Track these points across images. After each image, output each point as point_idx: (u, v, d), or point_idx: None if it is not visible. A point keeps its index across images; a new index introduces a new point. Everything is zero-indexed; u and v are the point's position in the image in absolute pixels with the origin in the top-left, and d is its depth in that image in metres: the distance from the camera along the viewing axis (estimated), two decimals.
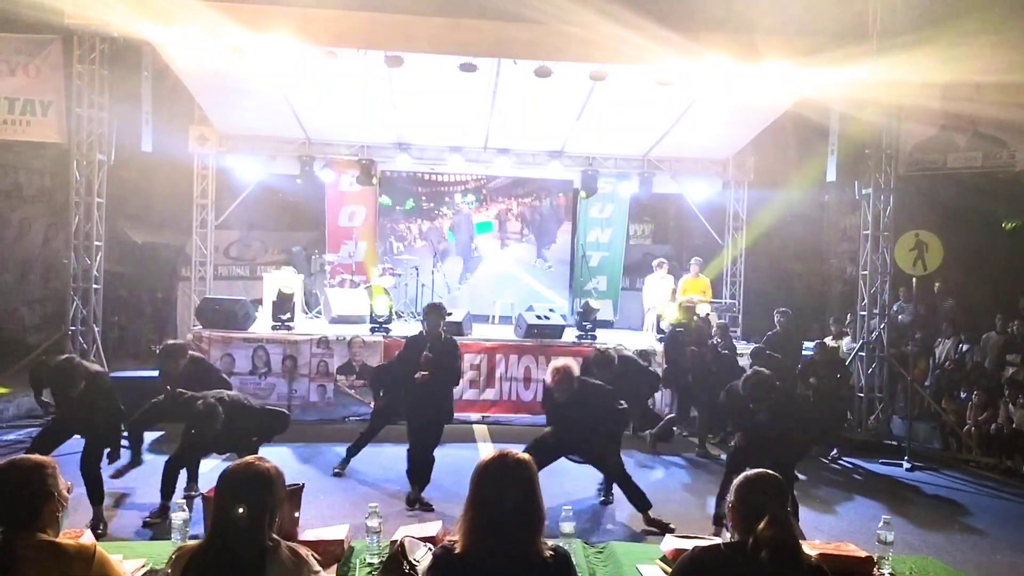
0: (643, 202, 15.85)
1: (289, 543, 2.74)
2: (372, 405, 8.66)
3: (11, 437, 9.27)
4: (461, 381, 9.18)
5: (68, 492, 2.85)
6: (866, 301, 11.15)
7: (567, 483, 7.62)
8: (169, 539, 3.76)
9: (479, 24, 9.31)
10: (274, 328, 10.77)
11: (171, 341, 8.11)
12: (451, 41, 9.40)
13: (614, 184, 14.46)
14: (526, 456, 2.71)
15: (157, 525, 6.35)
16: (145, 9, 8.96)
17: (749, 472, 2.90)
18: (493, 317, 13.35)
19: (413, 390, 7.17)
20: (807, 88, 9.98)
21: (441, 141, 13.62)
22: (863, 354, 11.15)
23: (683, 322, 10.23)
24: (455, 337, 8.13)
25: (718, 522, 6.00)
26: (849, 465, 9.54)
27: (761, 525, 2.60)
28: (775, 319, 10.65)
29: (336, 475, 7.91)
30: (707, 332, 10.15)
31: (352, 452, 8.03)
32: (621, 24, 8.71)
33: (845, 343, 11.87)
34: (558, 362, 6.65)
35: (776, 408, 6.21)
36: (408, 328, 11.53)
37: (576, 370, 6.76)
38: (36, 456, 2.86)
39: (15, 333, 14.71)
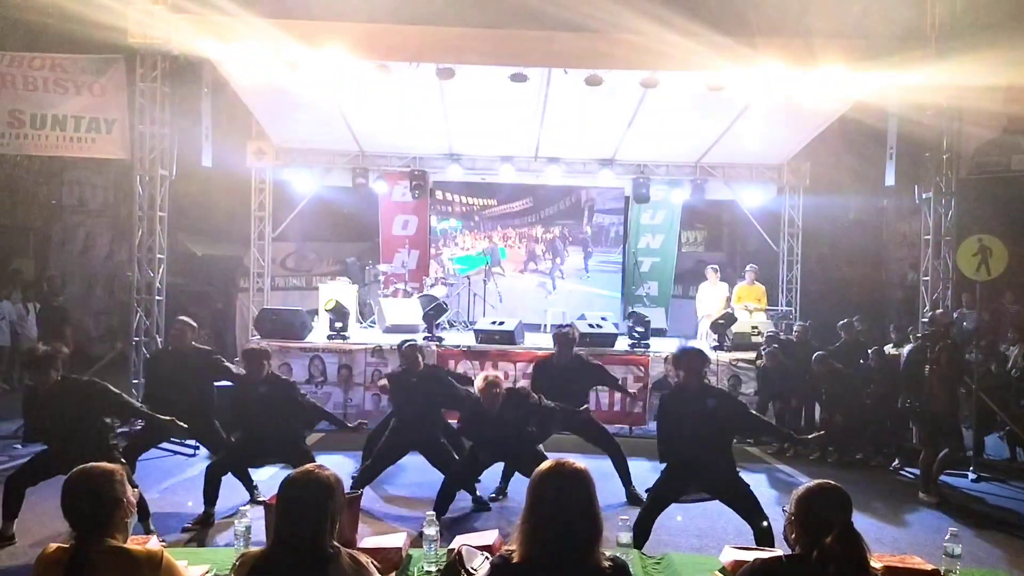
0: (696, 209, 15.72)
1: (350, 550, 2.78)
2: None
3: None
4: None
5: (135, 498, 2.93)
6: (928, 308, 10.87)
7: (623, 494, 7.58)
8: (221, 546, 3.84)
9: (530, 34, 9.34)
10: (330, 338, 10.94)
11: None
12: (502, 52, 9.45)
13: (666, 191, 14.36)
14: (583, 465, 2.70)
15: (196, 532, 6.44)
16: (205, 27, 9.20)
17: (811, 483, 2.86)
18: (545, 326, 13.34)
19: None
20: (864, 92, 9.79)
21: (492, 151, 13.70)
22: None
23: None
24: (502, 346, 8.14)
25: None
26: (912, 475, 9.31)
27: (829, 539, 2.56)
28: (840, 333, 10.56)
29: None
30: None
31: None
32: (673, 30, 8.66)
33: (907, 350, 11.58)
34: (488, 374, 6.90)
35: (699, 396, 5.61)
36: (461, 337, 11.61)
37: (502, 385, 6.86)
38: (106, 464, 2.95)
39: (81, 344, 15.15)
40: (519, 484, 7.30)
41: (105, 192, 16.93)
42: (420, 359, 7.68)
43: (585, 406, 7.68)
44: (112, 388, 6.18)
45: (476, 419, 6.89)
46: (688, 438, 5.50)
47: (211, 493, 6.63)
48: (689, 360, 5.78)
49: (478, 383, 6.82)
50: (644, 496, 7.36)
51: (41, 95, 10.45)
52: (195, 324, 7.71)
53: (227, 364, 7.59)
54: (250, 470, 7.23)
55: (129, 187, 11.05)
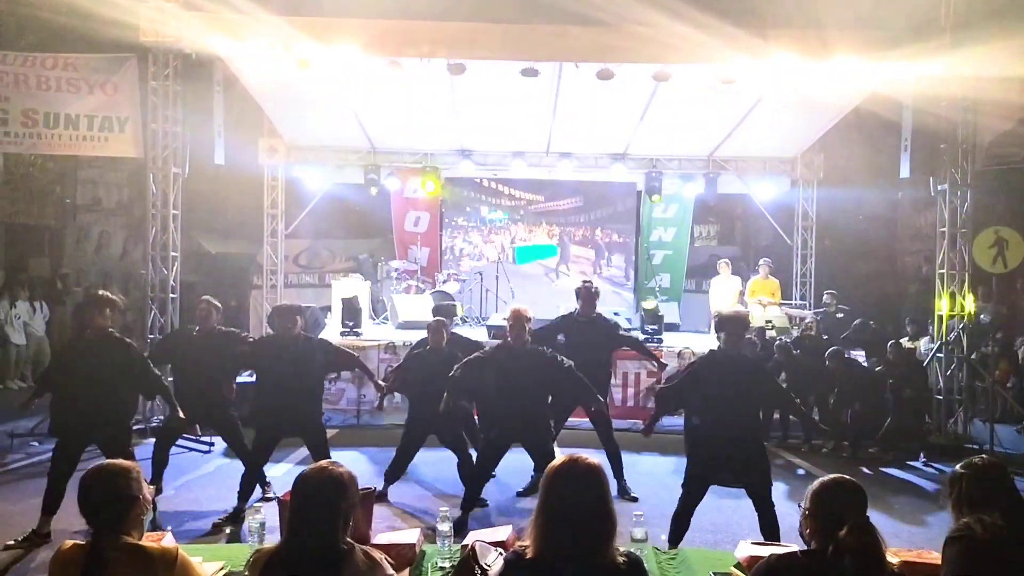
0: (708, 203, 15.66)
1: (363, 547, 2.78)
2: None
3: None
4: None
5: (150, 495, 2.94)
6: (944, 301, 10.78)
7: (636, 488, 7.56)
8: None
9: (541, 29, 9.31)
10: (343, 334, 10.95)
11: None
12: (513, 47, 9.43)
13: (678, 185, 14.31)
14: (596, 461, 2.69)
15: (225, 529, 6.45)
16: (216, 24, 9.21)
17: (826, 478, 2.84)
18: None
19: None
20: (878, 83, 9.72)
21: (503, 147, 13.68)
22: (941, 355, 10.79)
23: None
24: None
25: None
26: (929, 469, 9.24)
27: (843, 532, 2.53)
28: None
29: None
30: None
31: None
32: (685, 23, 8.60)
33: (923, 344, 11.53)
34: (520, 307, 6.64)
35: (732, 376, 5.54)
36: (474, 333, 11.59)
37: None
38: (121, 461, 2.96)
39: None
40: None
41: (119, 191, 17.01)
42: (445, 336, 7.43)
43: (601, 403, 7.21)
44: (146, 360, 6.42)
45: (497, 360, 6.52)
46: (718, 403, 5.47)
47: (248, 489, 6.65)
48: (732, 323, 5.76)
49: (508, 314, 6.65)
50: (632, 492, 7.42)
51: (54, 94, 10.47)
52: (220, 305, 7.59)
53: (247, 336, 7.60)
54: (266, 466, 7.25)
55: (142, 186, 11.09)
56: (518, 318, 6.45)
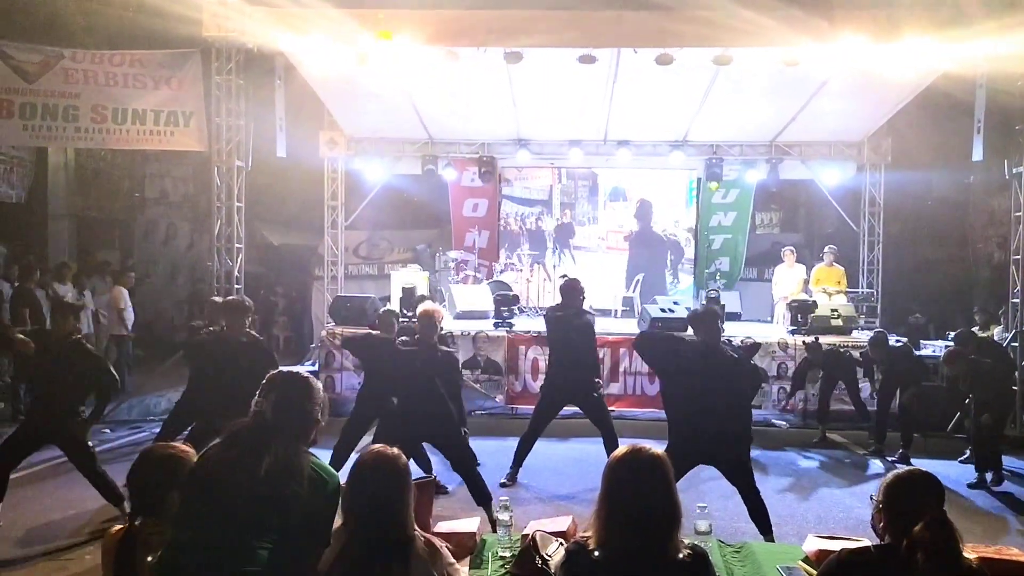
0: (770, 189, 15.33)
1: (424, 534, 2.78)
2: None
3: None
4: None
5: None
6: (1019, 288, 10.40)
7: (699, 481, 7.45)
8: None
9: (598, 15, 9.21)
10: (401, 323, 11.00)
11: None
12: (571, 33, 9.34)
13: (740, 171, 14.04)
14: (660, 451, 2.64)
15: None
16: (278, 18, 9.32)
17: (900, 471, 2.76)
18: (615, 312, 13.22)
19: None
20: (950, 63, 9.38)
21: (560, 135, 13.57)
22: (1016, 344, 10.41)
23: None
24: None
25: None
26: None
27: (918, 527, 2.44)
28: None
29: None
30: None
31: None
32: (747, 5, 8.41)
33: (997, 333, 11.13)
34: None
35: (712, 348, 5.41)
36: (531, 323, 11.56)
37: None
38: (169, 446, 3.02)
39: (164, 332, 15.65)
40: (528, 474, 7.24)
41: (185, 184, 17.41)
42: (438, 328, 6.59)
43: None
44: None
45: (556, 322, 7.41)
46: (701, 395, 5.29)
47: None
48: (704, 320, 5.67)
49: (561, 282, 7.34)
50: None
51: (122, 90, 10.74)
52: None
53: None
54: None
55: (207, 179, 11.31)
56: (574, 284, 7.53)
